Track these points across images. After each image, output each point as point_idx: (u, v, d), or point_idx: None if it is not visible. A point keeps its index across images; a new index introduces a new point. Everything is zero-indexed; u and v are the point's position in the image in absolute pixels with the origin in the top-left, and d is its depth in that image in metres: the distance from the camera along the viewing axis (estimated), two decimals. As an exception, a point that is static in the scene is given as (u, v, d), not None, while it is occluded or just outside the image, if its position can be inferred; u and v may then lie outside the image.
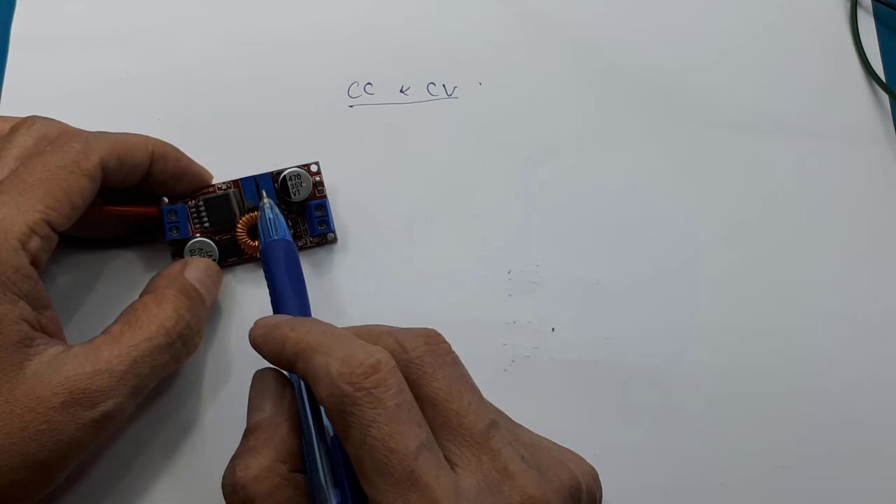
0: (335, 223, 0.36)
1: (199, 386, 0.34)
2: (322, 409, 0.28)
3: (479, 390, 0.27)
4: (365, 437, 0.24)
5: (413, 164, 0.37)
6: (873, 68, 0.39)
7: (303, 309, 0.31)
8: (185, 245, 0.34)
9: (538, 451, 0.28)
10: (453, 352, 0.27)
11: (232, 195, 0.35)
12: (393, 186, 0.37)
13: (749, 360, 0.35)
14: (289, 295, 0.31)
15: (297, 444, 0.28)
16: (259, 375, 0.30)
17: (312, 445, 0.27)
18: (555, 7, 0.40)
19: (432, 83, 0.39)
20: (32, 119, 0.31)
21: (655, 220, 0.37)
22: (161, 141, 0.33)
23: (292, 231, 0.35)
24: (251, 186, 0.35)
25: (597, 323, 0.36)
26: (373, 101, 0.38)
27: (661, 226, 0.37)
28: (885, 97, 0.39)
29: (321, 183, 0.36)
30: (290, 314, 0.31)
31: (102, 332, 0.30)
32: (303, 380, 0.28)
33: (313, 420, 0.28)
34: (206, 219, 0.35)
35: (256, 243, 0.35)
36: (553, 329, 0.35)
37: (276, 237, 0.33)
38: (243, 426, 0.29)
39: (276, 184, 0.35)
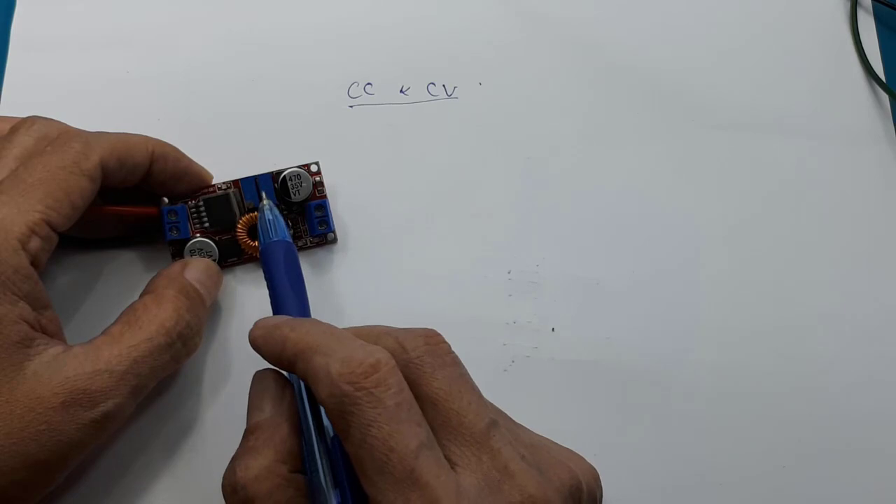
0: (335, 223, 0.36)
1: (199, 386, 0.34)
2: (322, 409, 0.28)
3: (478, 390, 0.27)
4: (365, 436, 0.24)
5: (413, 164, 0.37)
6: (873, 68, 0.39)
7: (302, 310, 0.31)
8: (185, 245, 0.34)
9: (538, 450, 0.28)
10: (453, 352, 0.27)
11: (232, 195, 0.35)
12: (393, 186, 0.37)
13: (749, 360, 0.35)
14: (288, 296, 0.31)
15: (298, 444, 0.28)
16: (259, 376, 0.30)
17: (312, 446, 0.27)
18: (555, 7, 0.40)
19: (432, 83, 0.39)
20: (32, 119, 0.31)
21: (655, 220, 0.37)
22: (161, 141, 0.33)
23: (292, 231, 0.35)
24: (251, 186, 0.35)
25: (597, 323, 0.36)
26: (373, 101, 0.38)
27: (661, 226, 0.37)
28: (885, 97, 0.39)
29: (321, 183, 0.36)
30: (289, 315, 0.31)
31: (102, 333, 0.30)
32: (303, 380, 0.28)
33: (313, 420, 0.28)
34: (206, 219, 0.35)
35: (256, 243, 0.35)
36: (553, 329, 0.35)
37: (275, 238, 0.33)
38: (243, 426, 0.29)
39: (276, 184, 0.35)
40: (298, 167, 0.35)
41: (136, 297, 0.32)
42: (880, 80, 0.39)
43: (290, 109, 0.38)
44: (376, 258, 0.36)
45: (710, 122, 0.39)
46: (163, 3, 0.39)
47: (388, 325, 0.29)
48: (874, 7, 0.41)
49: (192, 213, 0.35)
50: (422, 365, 0.26)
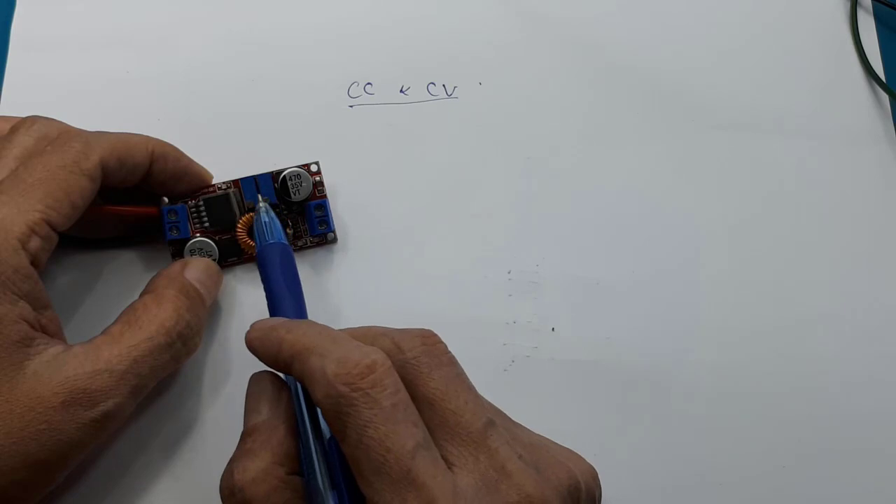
0: (335, 223, 0.36)
1: (199, 386, 0.34)
2: (319, 410, 0.28)
3: (475, 390, 0.27)
4: (361, 437, 0.24)
5: (413, 164, 0.37)
6: (873, 68, 0.39)
7: (299, 311, 0.31)
8: (185, 245, 0.34)
9: (536, 449, 0.27)
10: (449, 352, 0.27)
11: (232, 195, 0.35)
12: (393, 186, 0.37)
13: (749, 360, 0.35)
14: (285, 297, 0.31)
15: (294, 446, 0.28)
16: (255, 378, 0.30)
17: (309, 447, 0.27)
18: (555, 7, 0.40)
19: (432, 83, 0.39)
20: (32, 119, 0.31)
21: (655, 220, 0.37)
22: (161, 141, 0.33)
23: (292, 231, 0.35)
24: (251, 186, 0.35)
25: (597, 323, 0.36)
26: (373, 101, 0.38)
27: (661, 226, 0.37)
28: (885, 97, 0.39)
29: (321, 183, 0.36)
30: (286, 317, 0.31)
31: (102, 332, 0.30)
32: (299, 382, 0.28)
33: (310, 422, 0.28)
34: (206, 219, 0.35)
35: (256, 243, 0.35)
36: (553, 329, 0.35)
37: (271, 241, 0.32)
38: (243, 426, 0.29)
39: (276, 184, 0.35)
40: (298, 167, 0.35)
41: (136, 297, 0.32)
42: (880, 80, 0.39)
43: (290, 109, 0.38)
44: (376, 258, 0.36)
45: (710, 122, 0.39)
46: (163, 3, 0.39)
47: (389, 325, 0.29)
48: (874, 7, 0.40)
49: (192, 213, 0.35)
50: (418, 365, 0.26)
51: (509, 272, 0.36)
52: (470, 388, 0.27)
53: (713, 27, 0.40)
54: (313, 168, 0.35)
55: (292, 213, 0.35)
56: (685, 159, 0.38)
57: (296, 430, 0.28)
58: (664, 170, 0.38)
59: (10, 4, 0.39)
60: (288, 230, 0.35)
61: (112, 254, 0.36)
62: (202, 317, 0.32)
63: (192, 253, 0.34)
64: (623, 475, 0.33)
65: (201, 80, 0.38)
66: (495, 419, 0.26)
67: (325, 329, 0.28)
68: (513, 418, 0.29)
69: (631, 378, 0.35)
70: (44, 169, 0.29)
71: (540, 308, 0.36)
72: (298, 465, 0.27)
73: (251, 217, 0.35)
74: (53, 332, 0.29)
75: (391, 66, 0.39)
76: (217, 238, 0.35)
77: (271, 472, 0.27)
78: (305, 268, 0.35)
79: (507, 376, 0.35)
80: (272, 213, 0.34)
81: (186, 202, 0.35)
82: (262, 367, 0.29)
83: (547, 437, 0.29)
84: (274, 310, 0.31)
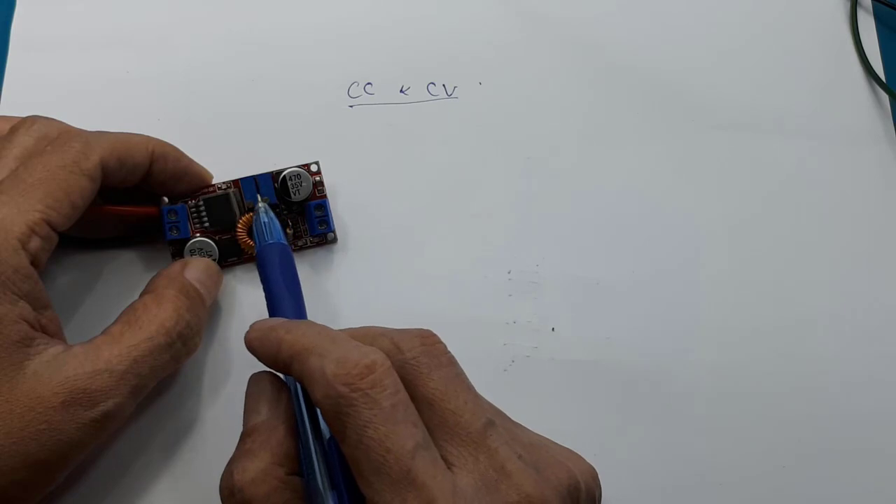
0: (335, 223, 0.36)
1: (199, 386, 0.34)
2: (318, 411, 0.28)
3: (475, 390, 0.27)
4: (361, 437, 0.24)
5: (413, 164, 0.37)
6: (873, 68, 0.39)
7: (298, 312, 0.31)
8: (185, 245, 0.34)
9: (536, 449, 0.27)
10: (449, 352, 0.27)
11: (232, 195, 0.35)
12: (393, 186, 0.37)
13: (749, 360, 0.35)
14: (284, 298, 0.31)
15: (294, 446, 0.28)
16: (255, 379, 0.30)
17: (309, 448, 0.27)
18: (555, 7, 0.40)
19: (432, 83, 0.39)
20: (32, 119, 0.31)
21: (655, 220, 0.37)
22: (161, 141, 0.33)
23: (292, 231, 0.35)
24: (251, 186, 0.35)
25: (597, 323, 0.36)
26: (373, 101, 0.38)
27: (661, 226, 0.37)
28: (885, 97, 0.39)
29: (321, 183, 0.36)
30: (285, 317, 0.31)
31: (102, 332, 0.30)
32: (299, 382, 0.28)
33: (310, 422, 0.28)
34: (206, 219, 0.35)
35: (255, 243, 0.35)
36: (553, 329, 0.35)
37: (270, 241, 0.32)
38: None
39: (276, 184, 0.35)
40: (298, 167, 0.35)
41: (136, 297, 0.32)
42: (880, 80, 0.39)
43: (290, 109, 0.38)
44: (376, 258, 0.36)
45: (710, 122, 0.39)
46: (163, 3, 0.39)
47: (389, 325, 0.29)
48: (874, 7, 0.40)
49: (192, 213, 0.35)
50: (418, 365, 0.26)
51: (509, 272, 0.36)
52: (469, 388, 0.27)
53: (713, 27, 0.40)
54: (313, 168, 0.35)
55: (292, 213, 0.35)
56: (685, 159, 0.38)
57: (295, 431, 0.28)
58: (664, 170, 0.38)
59: (10, 4, 0.39)
60: (288, 230, 0.35)
61: (112, 254, 0.36)
62: (202, 317, 0.32)
63: (192, 253, 0.34)
64: (623, 475, 0.33)
65: (201, 80, 0.38)
66: (495, 419, 0.26)
67: (324, 329, 0.28)
68: (513, 418, 0.29)
69: (631, 378, 0.35)
70: (44, 169, 0.29)
71: (540, 308, 0.36)
72: (298, 465, 0.27)
73: (251, 217, 0.35)
74: (53, 332, 0.29)
75: (391, 66, 0.39)
76: (217, 238, 0.35)
77: (271, 472, 0.27)
78: (305, 268, 0.35)
79: (507, 376, 0.35)
80: (272, 214, 0.34)
81: (186, 202, 0.35)
82: (262, 367, 0.29)
83: (547, 437, 0.29)
84: (273, 310, 0.31)
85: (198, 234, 0.35)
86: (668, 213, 0.37)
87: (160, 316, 0.30)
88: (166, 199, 0.34)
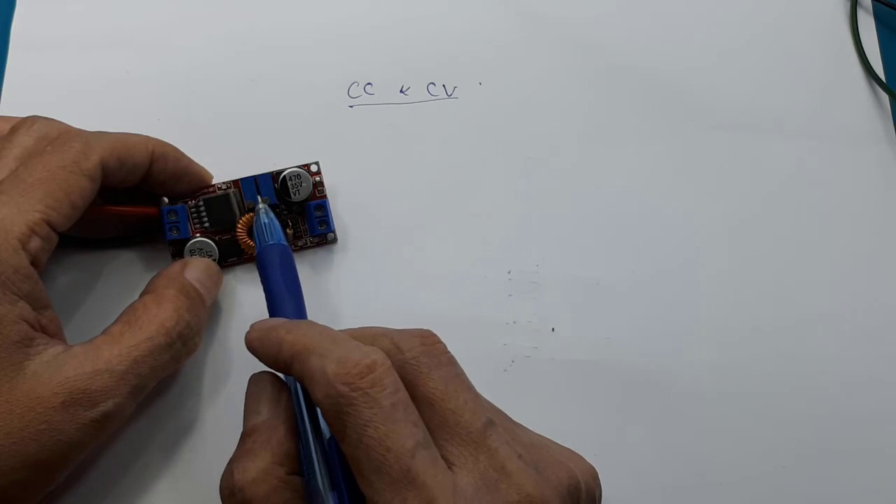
0: (335, 223, 0.36)
1: (199, 386, 0.34)
2: (319, 411, 0.28)
3: (475, 389, 0.27)
4: (361, 437, 0.24)
5: (413, 164, 0.37)
6: (873, 68, 0.39)
7: (299, 312, 0.31)
8: (185, 245, 0.34)
9: (536, 449, 0.27)
10: (448, 352, 0.27)
11: (232, 195, 0.35)
12: (393, 186, 0.37)
13: (749, 360, 0.35)
14: (284, 298, 0.31)
15: (294, 446, 0.28)
16: (255, 379, 0.30)
17: (309, 447, 0.27)
18: (555, 7, 0.40)
19: (432, 83, 0.39)
20: (32, 119, 0.31)
21: (655, 220, 0.37)
22: (161, 141, 0.33)
23: (292, 231, 0.35)
24: (251, 186, 0.35)
25: (597, 323, 0.36)
26: (373, 101, 0.38)
27: (661, 226, 0.37)
28: (885, 97, 0.39)
29: (321, 183, 0.36)
30: (285, 318, 0.31)
31: (102, 333, 0.30)
32: (299, 382, 0.28)
33: (310, 422, 0.28)
34: (206, 219, 0.35)
35: (255, 244, 0.35)
36: (553, 329, 0.35)
37: (270, 242, 0.32)
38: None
39: (276, 184, 0.35)
40: (298, 167, 0.35)
41: (136, 297, 0.32)
42: (880, 80, 0.39)
43: (290, 109, 0.38)
44: (376, 258, 0.36)
45: (710, 122, 0.39)
46: (163, 3, 0.39)
47: (389, 325, 0.29)
48: (874, 7, 0.40)
49: (192, 213, 0.35)
50: (418, 365, 0.26)
51: (509, 272, 0.36)
52: (469, 388, 0.27)
53: (713, 27, 0.40)
54: (313, 168, 0.35)
55: (292, 214, 0.35)
56: (685, 159, 0.38)
57: (296, 431, 0.28)
58: (664, 170, 0.38)
59: (10, 4, 0.39)
60: (288, 230, 0.35)
61: (112, 254, 0.36)
62: (202, 317, 0.32)
63: (192, 253, 0.34)
64: (623, 475, 0.33)
65: (201, 80, 0.38)
66: (495, 419, 0.26)
67: (324, 329, 0.28)
68: (513, 418, 0.29)
69: (631, 378, 0.35)
70: (44, 169, 0.29)
71: (540, 308, 0.36)
72: (298, 465, 0.27)
73: (251, 217, 0.35)
74: (53, 333, 0.29)
75: (391, 66, 0.39)
76: (217, 238, 0.35)
77: (271, 472, 0.27)
78: (305, 268, 0.35)
79: (507, 376, 0.35)
80: (272, 215, 0.34)
81: (186, 202, 0.35)
82: (262, 367, 0.29)
83: (547, 437, 0.29)
84: (273, 311, 0.31)
85: (198, 235, 0.35)
86: (668, 213, 0.37)
87: (160, 316, 0.30)
88: (166, 200, 0.34)
